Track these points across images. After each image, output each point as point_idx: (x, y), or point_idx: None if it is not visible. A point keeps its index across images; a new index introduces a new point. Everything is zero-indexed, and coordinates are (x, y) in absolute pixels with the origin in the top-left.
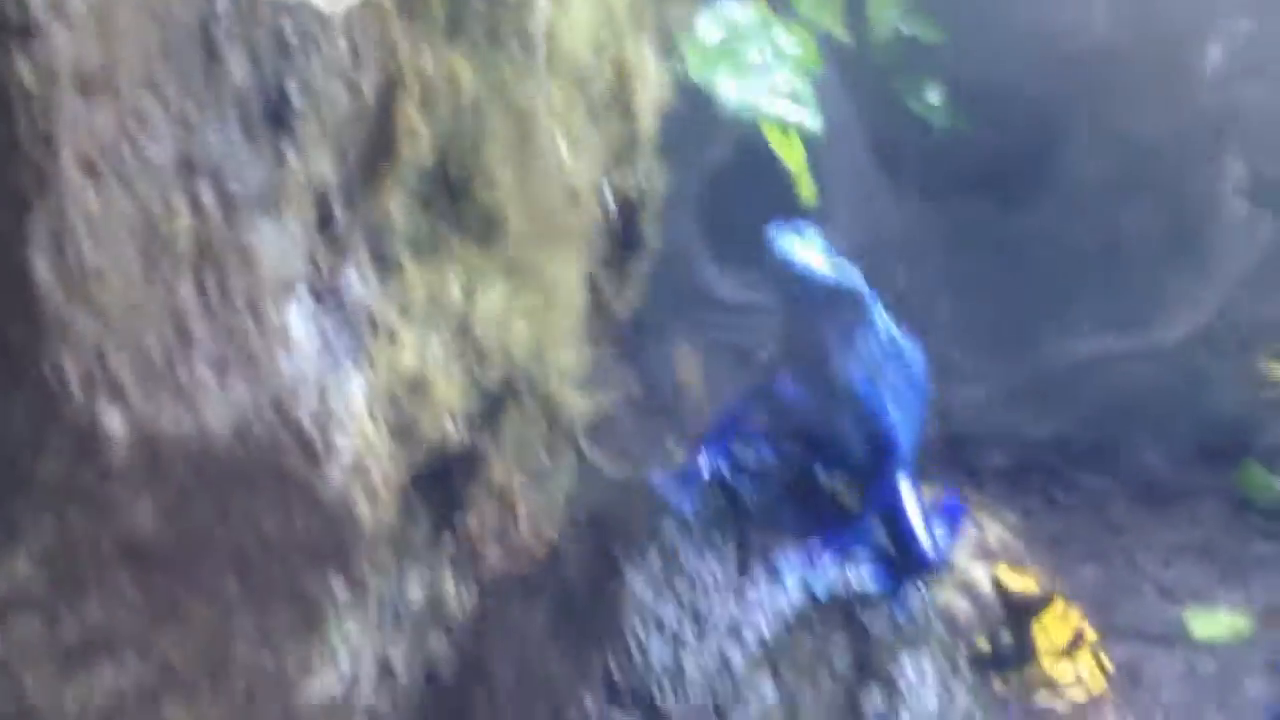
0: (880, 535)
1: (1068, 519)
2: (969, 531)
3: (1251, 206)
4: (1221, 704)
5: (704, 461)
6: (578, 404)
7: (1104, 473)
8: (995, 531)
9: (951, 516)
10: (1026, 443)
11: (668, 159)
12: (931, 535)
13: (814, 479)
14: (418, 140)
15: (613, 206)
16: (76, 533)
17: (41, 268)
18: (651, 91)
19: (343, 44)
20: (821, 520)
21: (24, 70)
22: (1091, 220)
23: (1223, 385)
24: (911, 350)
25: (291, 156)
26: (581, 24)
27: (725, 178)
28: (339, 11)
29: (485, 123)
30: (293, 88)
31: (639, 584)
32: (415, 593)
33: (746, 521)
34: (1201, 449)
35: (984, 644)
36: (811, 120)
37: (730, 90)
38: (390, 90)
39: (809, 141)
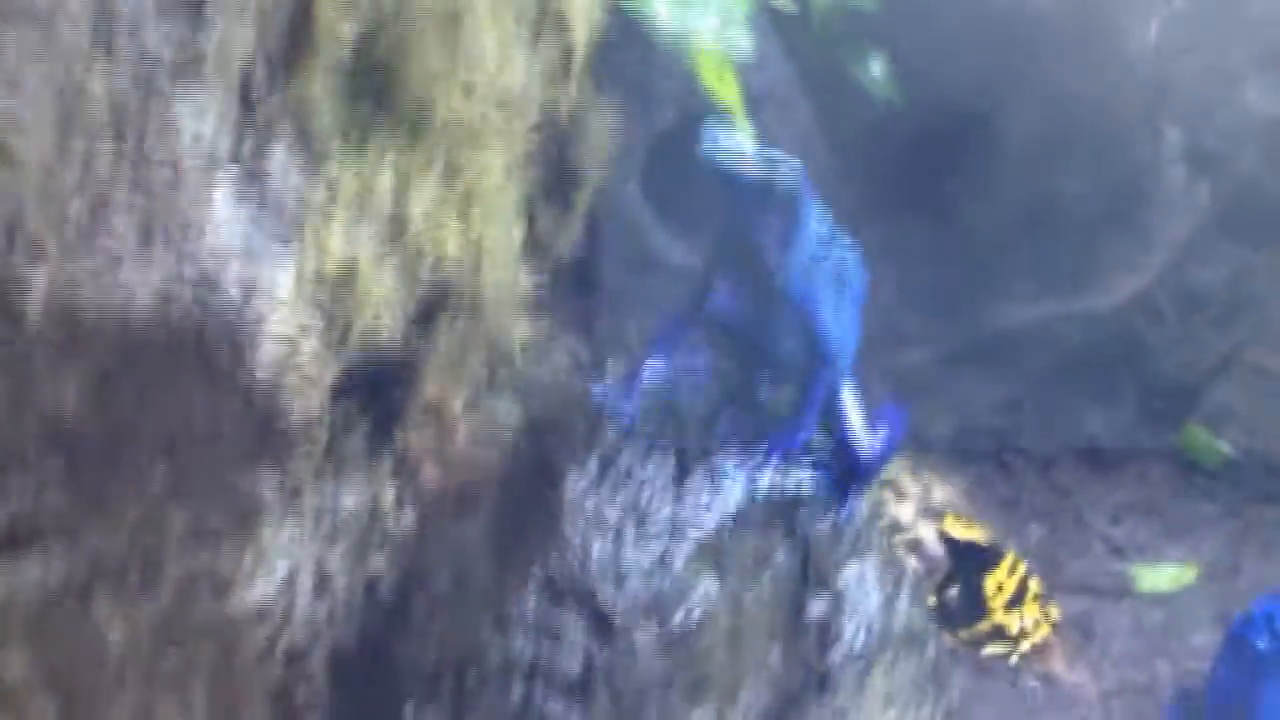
0: (821, 440)
1: (1015, 482)
2: (915, 491)
3: (1188, 174)
4: (1168, 654)
5: (644, 373)
6: (516, 323)
7: (1050, 435)
8: (943, 493)
9: (893, 420)
10: (972, 407)
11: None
12: (872, 437)
13: (752, 389)
14: (338, 25)
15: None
16: None
17: None
18: (584, 6)
19: None
20: (760, 424)
21: None
22: (1031, 186)
23: (1163, 350)
24: (846, 250)
25: (212, 21)
26: None
27: (669, 145)
28: None
29: (411, 11)
30: None
31: (579, 487)
32: (352, 503)
33: (686, 428)
34: (1145, 412)
35: (933, 599)
36: (743, 41)
37: (664, 14)
38: None
39: (754, 108)
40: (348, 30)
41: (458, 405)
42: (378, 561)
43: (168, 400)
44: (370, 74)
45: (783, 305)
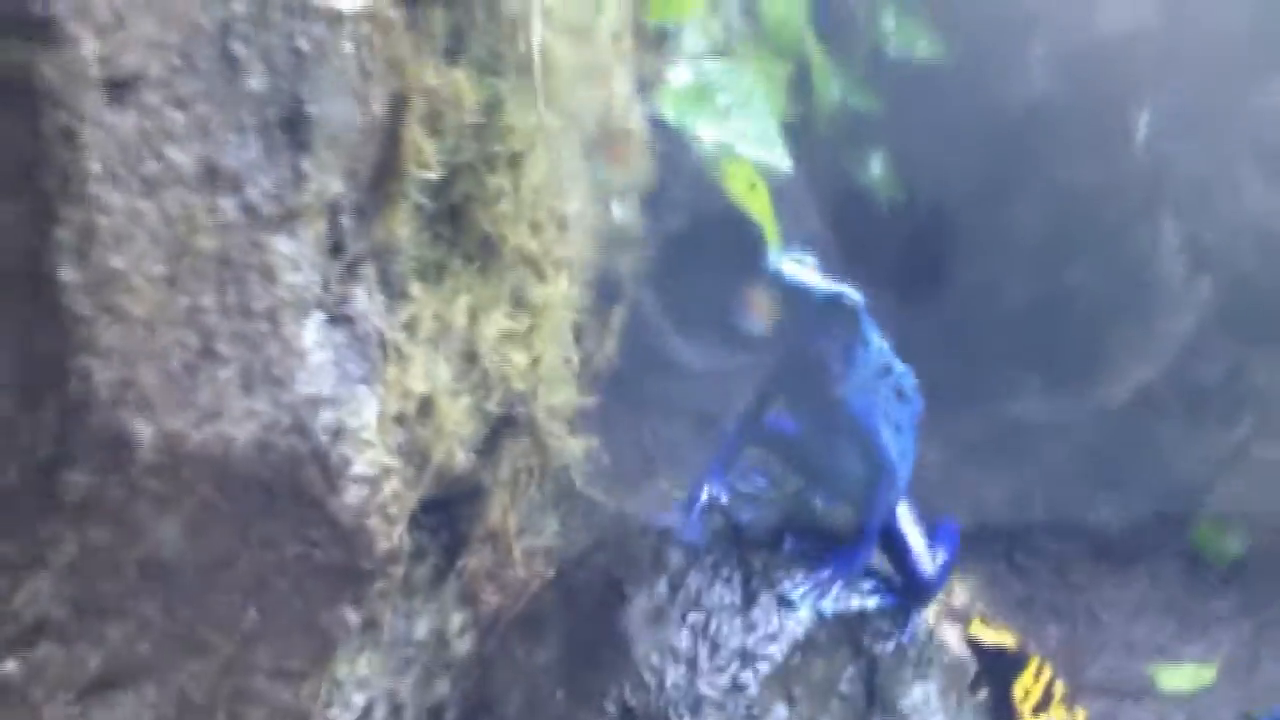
0: (880, 558)
1: (1030, 580)
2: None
3: (1189, 267)
4: None
5: (705, 491)
6: (570, 442)
7: (1062, 533)
8: (960, 595)
9: (948, 538)
10: (984, 503)
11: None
12: (931, 556)
13: (811, 508)
14: (424, 159)
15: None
16: (100, 553)
17: (68, 274)
18: (637, 130)
19: (351, 55)
20: (823, 546)
21: (49, 72)
22: (1035, 279)
23: (1171, 445)
24: (903, 367)
25: (308, 169)
26: (570, 53)
27: (682, 247)
28: (355, 8)
29: (486, 145)
30: (307, 97)
31: (649, 612)
32: (421, 631)
33: (750, 549)
34: (1156, 508)
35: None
36: (782, 160)
37: (706, 132)
38: (398, 106)
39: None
40: (432, 165)
41: (514, 526)
42: (443, 689)
43: (262, 535)
44: (446, 216)
45: (843, 424)
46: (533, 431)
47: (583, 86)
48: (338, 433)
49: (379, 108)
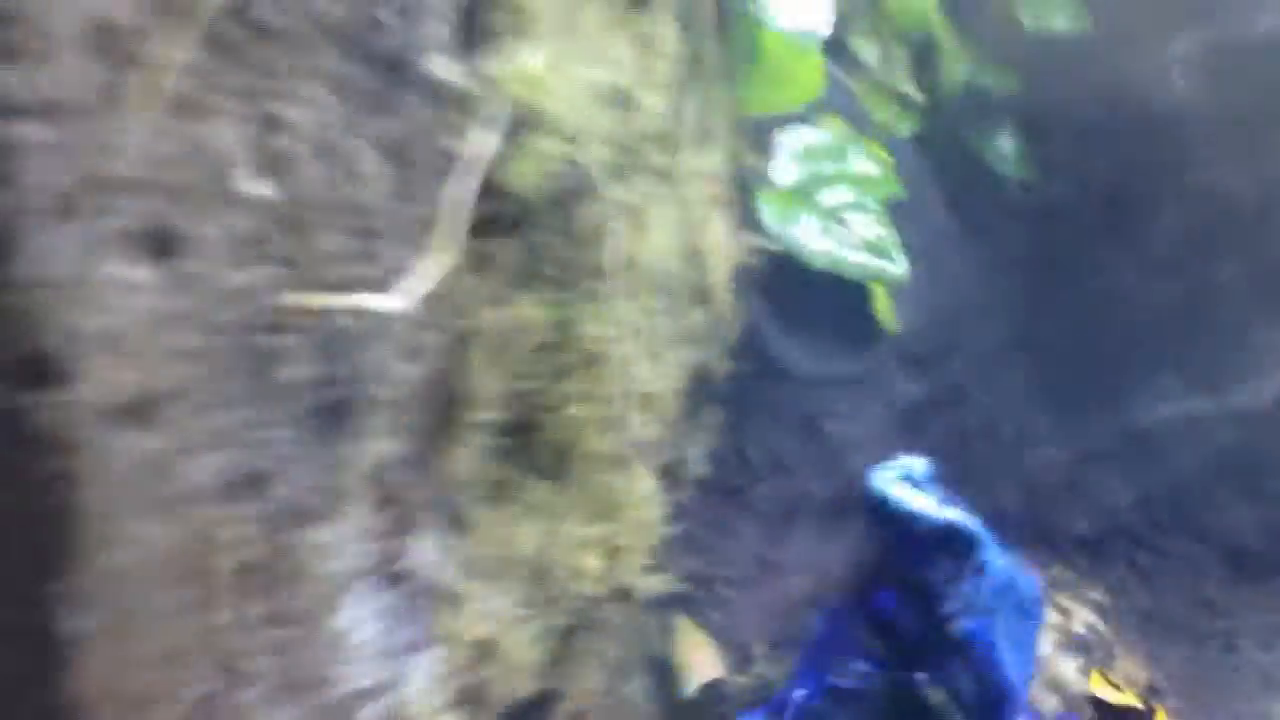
0: None
1: (1157, 593)
2: (1054, 620)
3: None
4: None
5: (798, 695)
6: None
7: (1195, 540)
8: (1081, 615)
9: None
10: (1111, 509)
11: None
12: None
13: (922, 700)
14: (487, 395)
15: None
16: None
17: (67, 624)
18: (727, 266)
19: (407, 320)
20: None
21: (46, 415)
22: (1175, 277)
23: None
24: (1025, 580)
25: (349, 452)
26: (662, 237)
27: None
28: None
29: (556, 362)
30: (352, 381)
31: None
32: None
33: None
34: None
35: None
36: (896, 269)
37: (810, 240)
38: (457, 350)
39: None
40: (495, 398)
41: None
42: None
43: None
44: (511, 430)
45: (957, 652)
46: (612, 618)
47: (674, 257)
48: (386, 716)
49: (436, 358)
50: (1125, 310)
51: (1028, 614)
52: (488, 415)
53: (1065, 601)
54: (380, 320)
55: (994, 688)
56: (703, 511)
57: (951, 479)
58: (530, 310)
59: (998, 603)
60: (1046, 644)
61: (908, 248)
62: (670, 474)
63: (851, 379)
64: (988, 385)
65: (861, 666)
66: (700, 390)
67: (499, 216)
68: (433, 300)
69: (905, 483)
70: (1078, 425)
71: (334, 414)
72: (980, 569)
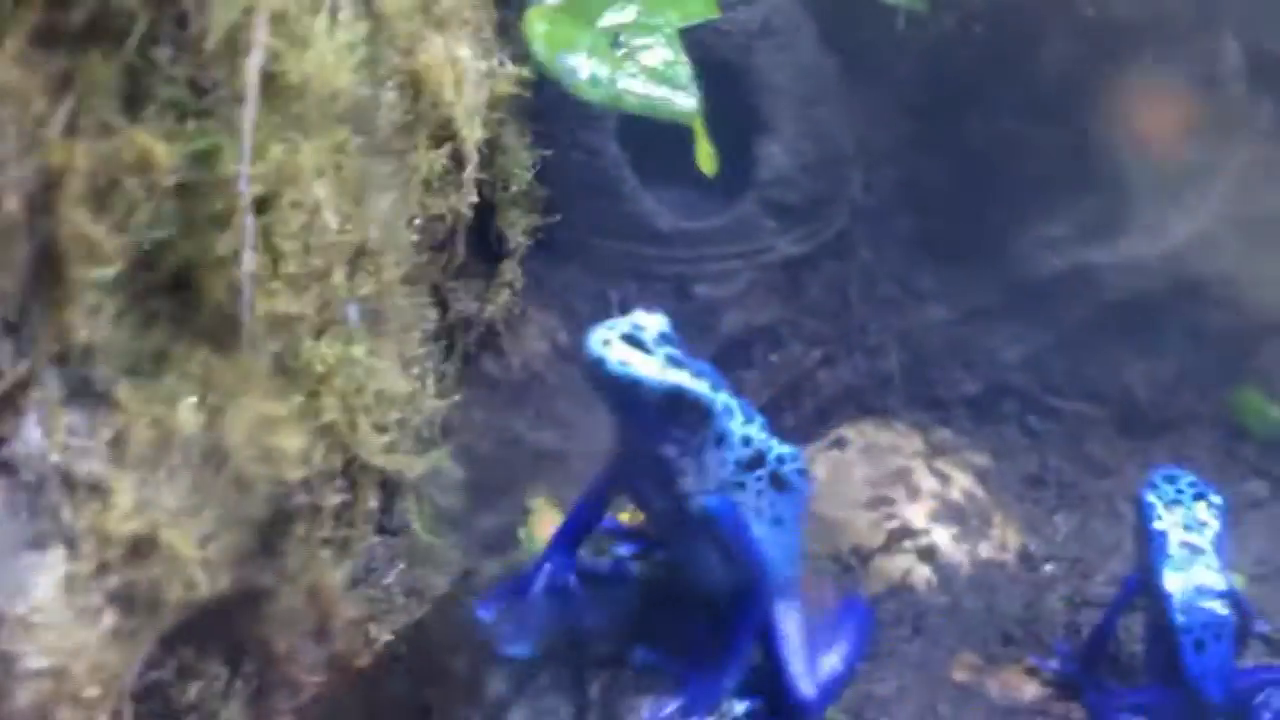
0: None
1: (1043, 454)
2: (930, 486)
3: (1250, 90)
4: None
5: (544, 578)
6: (409, 468)
7: (1084, 398)
8: (961, 482)
9: (853, 629)
10: (998, 366)
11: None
12: (813, 672)
13: (669, 622)
14: (97, 251)
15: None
16: None
17: None
18: (473, 98)
19: None
20: (684, 657)
21: None
22: (1065, 119)
23: (1215, 299)
24: (781, 451)
25: None
26: (331, 53)
27: None
28: None
29: (201, 204)
30: None
31: None
32: None
33: (590, 666)
34: (1191, 371)
35: None
36: (685, 103)
37: (583, 73)
38: (44, 191)
39: (747, 49)
40: (113, 249)
41: (338, 586)
42: None
43: None
44: (164, 290)
45: (701, 530)
46: (355, 473)
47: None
48: None
49: (15, 199)
50: (1014, 156)
51: (788, 488)
52: (104, 271)
53: (946, 468)
54: None
55: (745, 569)
56: (565, 384)
57: (824, 339)
58: (148, 142)
59: (743, 478)
60: (920, 514)
61: (774, 87)
62: (441, 337)
63: (719, 234)
64: (868, 239)
65: (618, 549)
66: (481, 248)
67: (78, 23)
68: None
69: (628, 342)
70: (964, 280)
71: None
72: (720, 439)
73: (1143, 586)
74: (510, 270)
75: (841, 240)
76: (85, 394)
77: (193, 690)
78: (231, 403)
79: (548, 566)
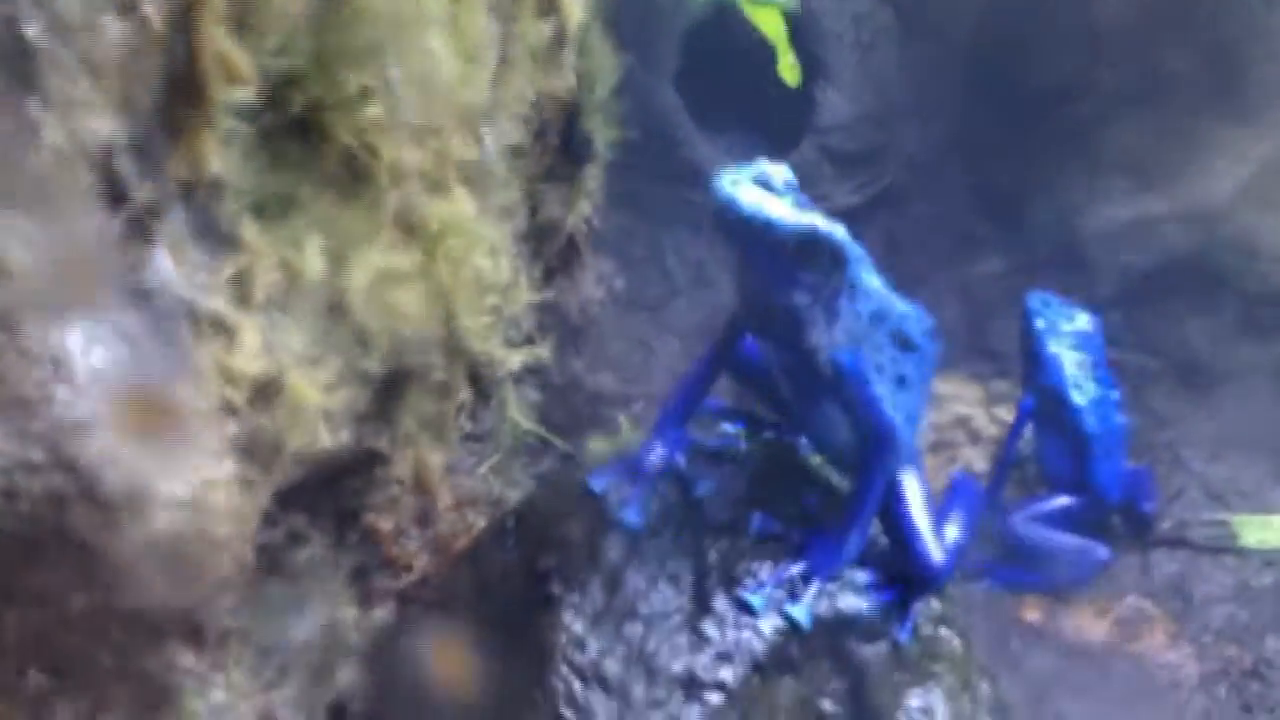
0: (877, 539)
1: None
2: (993, 434)
3: None
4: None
5: (655, 454)
6: (503, 361)
7: (1143, 350)
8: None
9: (965, 502)
10: None
11: (641, 27)
12: (940, 538)
13: (790, 486)
14: (234, 70)
15: (492, 149)
16: None
17: None
18: None
19: None
20: (803, 526)
21: None
22: (1122, 67)
23: (1273, 247)
24: (909, 313)
25: (44, 120)
26: None
27: (707, 41)
28: None
29: (334, 37)
30: (32, 27)
31: (577, 624)
32: (305, 629)
33: (707, 533)
34: (1249, 322)
35: None
36: None
37: None
38: (185, 8)
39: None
40: (249, 75)
41: (436, 471)
42: (346, 679)
43: (32, 592)
44: (290, 132)
45: (828, 383)
46: (446, 366)
47: None
48: (125, 456)
49: (155, 9)
50: (1070, 106)
51: (913, 347)
52: (240, 95)
53: (1004, 414)
54: None
55: (870, 429)
56: (623, 328)
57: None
58: None
59: (871, 332)
60: (983, 459)
61: (835, 34)
62: (536, 236)
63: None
64: (924, 189)
65: (727, 426)
66: (570, 146)
67: None
68: None
69: (759, 186)
70: (1020, 231)
71: (17, 74)
72: (851, 288)
73: (1041, 408)
74: (593, 177)
75: (897, 190)
76: (212, 230)
77: (302, 556)
78: (354, 252)
79: (657, 444)
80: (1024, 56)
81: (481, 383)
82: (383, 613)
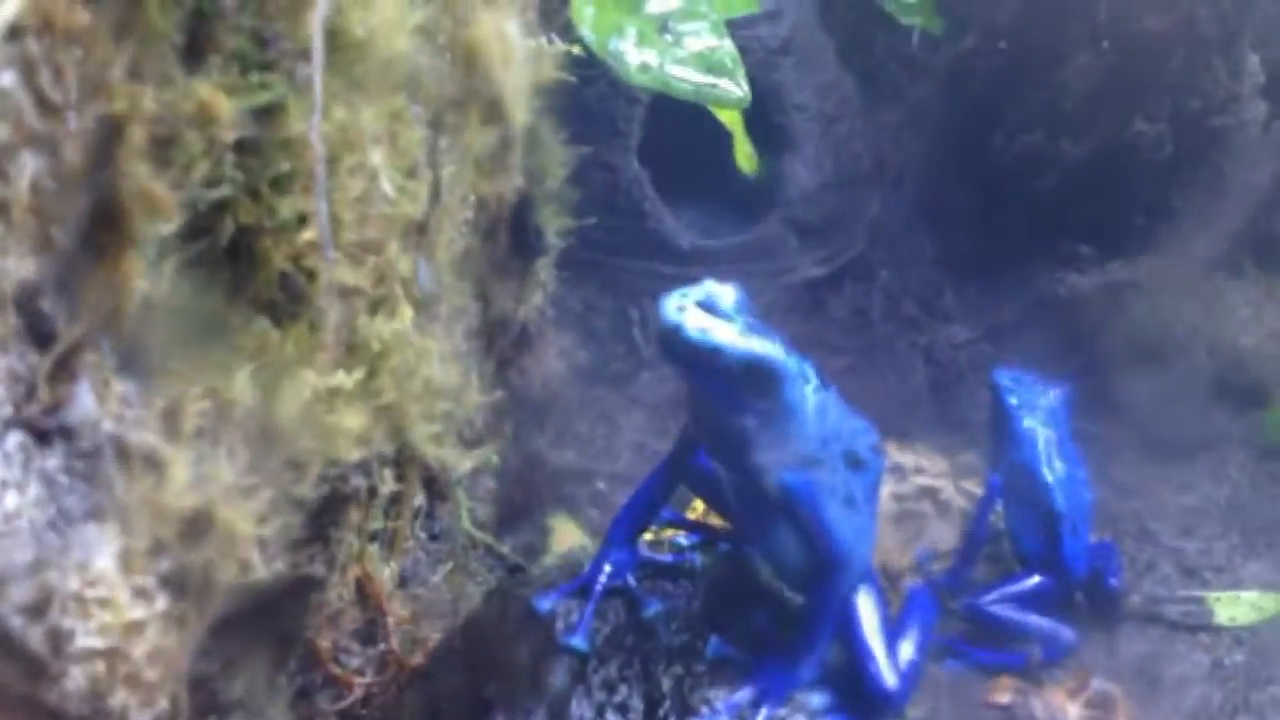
0: (835, 662)
1: None
2: (959, 501)
3: (1271, 107)
4: (1252, 709)
5: (604, 573)
6: (457, 465)
7: (1111, 421)
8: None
9: (920, 617)
10: None
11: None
12: (894, 661)
13: (743, 607)
14: (156, 204)
15: (429, 278)
16: None
17: None
18: (520, 78)
19: (17, 87)
20: (757, 647)
21: None
22: (1090, 136)
23: (1244, 317)
24: (856, 425)
25: None
26: (391, 19)
27: (671, 113)
28: None
29: (264, 165)
30: None
31: None
32: None
33: (660, 658)
34: (1221, 391)
35: None
36: (736, 90)
37: (632, 59)
38: (105, 143)
39: (770, 64)
40: (172, 206)
41: (388, 584)
42: None
43: None
44: (220, 259)
45: (777, 505)
46: (393, 477)
47: (421, 48)
48: (42, 606)
49: (76, 150)
50: (1036, 174)
51: (861, 466)
52: (163, 228)
53: (972, 487)
54: None
55: (822, 549)
56: (587, 403)
57: (846, 359)
58: (209, 96)
59: (820, 454)
60: (950, 534)
61: (797, 106)
62: (487, 332)
63: (741, 253)
64: (889, 259)
65: (680, 540)
66: (519, 242)
67: None
68: (57, 74)
69: (704, 309)
70: (986, 299)
71: None
72: (800, 411)
73: (1011, 484)
74: (545, 269)
75: (862, 260)
76: (138, 361)
77: (239, 685)
78: (288, 376)
79: (607, 563)
80: (990, 125)
81: (436, 485)
82: None
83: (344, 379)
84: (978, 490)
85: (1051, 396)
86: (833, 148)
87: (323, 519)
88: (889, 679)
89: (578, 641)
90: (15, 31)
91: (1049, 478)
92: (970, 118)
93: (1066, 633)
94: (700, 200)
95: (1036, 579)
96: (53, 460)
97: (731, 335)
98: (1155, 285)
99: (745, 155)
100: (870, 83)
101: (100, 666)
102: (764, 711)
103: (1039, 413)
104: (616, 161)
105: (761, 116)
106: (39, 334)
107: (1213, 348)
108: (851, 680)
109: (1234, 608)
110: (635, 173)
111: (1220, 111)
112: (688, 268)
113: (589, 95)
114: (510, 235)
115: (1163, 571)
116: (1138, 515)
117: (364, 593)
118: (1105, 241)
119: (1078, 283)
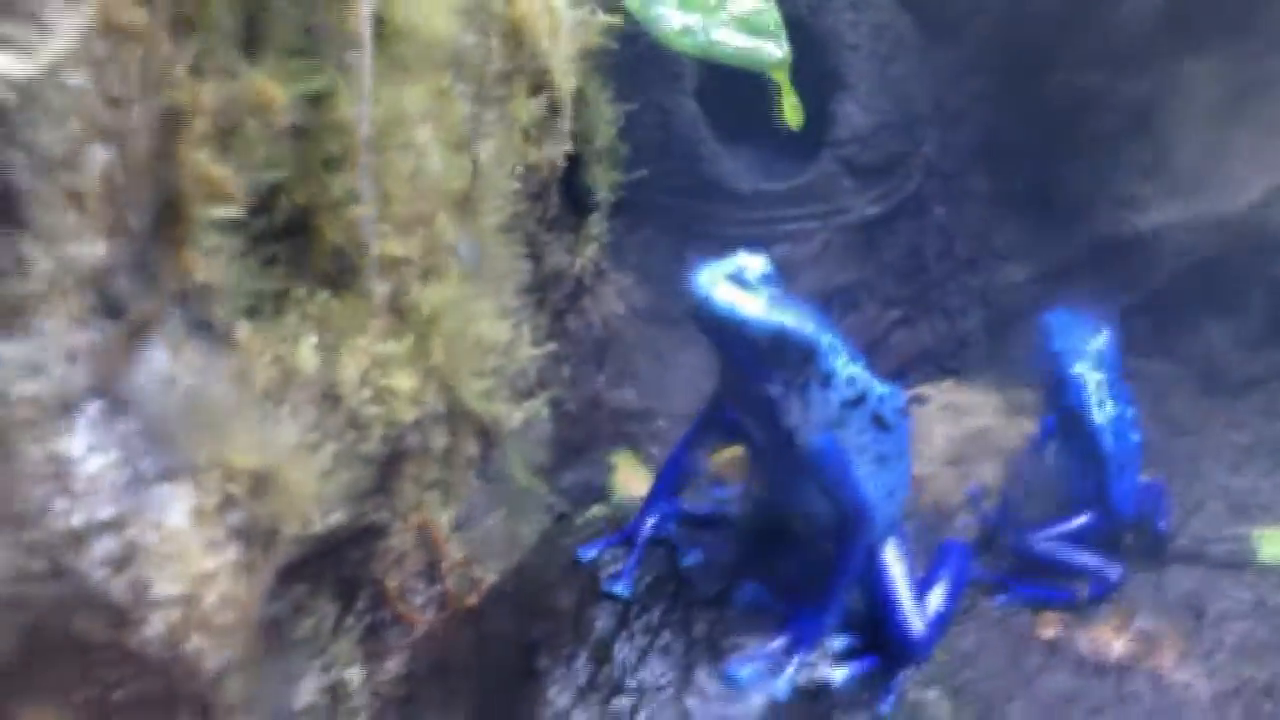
0: (859, 609)
1: None
2: (1012, 445)
3: None
4: None
5: (647, 524)
6: (509, 417)
7: (1166, 358)
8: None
9: (952, 569)
10: None
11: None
12: (922, 609)
13: (784, 526)
14: (218, 188)
15: (470, 250)
16: None
17: None
18: (565, 46)
19: (86, 88)
20: (789, 595)
21: None
22: (1147, 73)
23: None
24: (882, 391)
25: (33, 253)
26: (434, 1)
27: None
28: (28, 71)
29: (317, 147)
30: (17, 167)
31: (563, 698)
32: (307, 695)
33: (696, 604)
34: (1274, 329)
35: None
36: (776, 51)
37: (674, 22)
38: (167, 131)
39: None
40: (233, 189)
41: (440, 532)
42: None
43: (41, 687)
44: (279, 234)
45: (805, 466)
46: (447, 433)
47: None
48: (124, 560)
49: (143, 140)
50: (1094, 113)
51: (888, 427)
52: (225, 212)
53: (1025, 424)
54: (43, 85)
55: (848, 505)
56: (643, 344)
57: (901, 300)
58: (264, 85)
59: (846, 417)
60: (1000, 472)
61: (851, 45)
62: (535, 290)
63: (797, 194)
64: (945, 198)
65: (717, 492)
66: (570, 200)
67: None
68: (120, 69)
69: (734, 282)
70: (1042, 239)
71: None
72: (825, 378)
73: (1061, 426)
74: (597, 224)
75: (918, 200)
76: (206, 333)
77: (307, 625)
78: (347, 343)
79: (649, 514)
80: (1047, 64)
81: (490, 435)
82: (395, 665)
83: (395, 346)
84: (1031, 428)
85: (1101, 339)
86: (888, 87)
87: (384, 472)
88: (916, 626)
89: (620, 588)
90: (84, 33)
91: (1099, 419)
92: (1026, 57)
93: (1114, 569)
94: (755, 142)
95: (1085, 517)
96: (130, 425)
97: (757, 307)
98: (1211, 224)
99: (792, 107)
100: (927, 23)
101: (176, 613)
102: (797, 658)
103: (1088, 357)
104: (673, 105)
105: (814, 58)
106: (115, 310)
107: (1267, 285)
108: (880, 627)
109: (1277, 544)
110: (692, 115)
111: (1275, 52)
112: (744, 209)
113: (643, 43)
114: (561, 195)
115: (1211, 510)
116: (1190, 453)
117: (425, 537)
118: (1161, 180)
119: (1136, 221)
